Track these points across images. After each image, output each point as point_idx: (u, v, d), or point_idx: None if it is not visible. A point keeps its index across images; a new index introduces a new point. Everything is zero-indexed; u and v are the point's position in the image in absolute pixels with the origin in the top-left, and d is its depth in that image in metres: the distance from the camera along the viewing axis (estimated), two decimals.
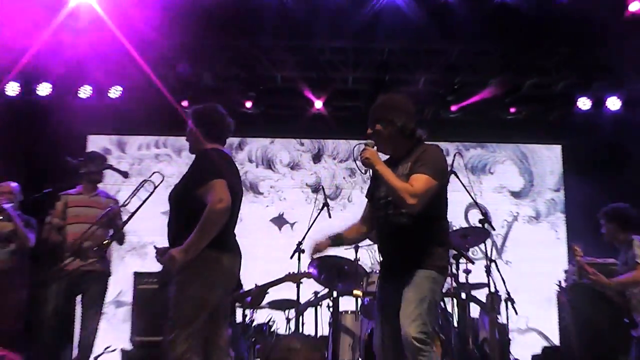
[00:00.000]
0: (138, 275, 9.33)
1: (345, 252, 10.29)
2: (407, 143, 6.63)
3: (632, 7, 11.40)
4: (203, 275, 6.40)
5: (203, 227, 6.35)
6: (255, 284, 8.00)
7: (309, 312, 10.59)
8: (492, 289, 9.42)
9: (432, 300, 6.23)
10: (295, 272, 8.94)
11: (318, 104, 14.62)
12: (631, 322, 8.28)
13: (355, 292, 9.85)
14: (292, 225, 15.09)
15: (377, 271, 10.09)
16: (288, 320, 11.20)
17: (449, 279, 10.19)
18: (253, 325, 10.73)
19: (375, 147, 6.53)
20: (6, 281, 9.59)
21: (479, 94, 14.40)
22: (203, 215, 6.36)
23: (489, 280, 9.55)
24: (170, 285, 6.46)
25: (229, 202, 6.41)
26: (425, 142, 6.64)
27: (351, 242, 7.36)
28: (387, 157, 6.80)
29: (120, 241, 9.43)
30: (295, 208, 15.24)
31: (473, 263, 9.86)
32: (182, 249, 6.33)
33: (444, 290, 10.37)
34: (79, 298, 9.44)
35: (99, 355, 9.39)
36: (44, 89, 14.47)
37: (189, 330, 6.30)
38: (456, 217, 14.64)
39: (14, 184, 9.77)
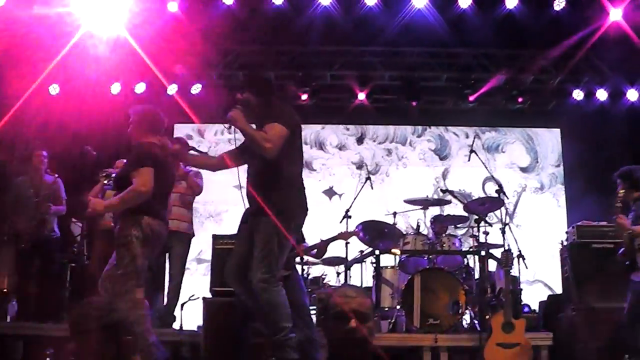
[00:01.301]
0: (216, 237, 9.26)
1: (385, 217, 10.30)
2: (266, 109, 6.53)
3: (612, 17, 11.42)
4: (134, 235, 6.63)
5: (123, 198, 6.64)
6: (320, 239, 7.90)
7: (355, 268, 10.56)
8: (506, 248, 9.20)
9: (273, 245, 6.20)
10: (346, 231, 8.84)
11: (361, 96, 14.52)
12: (632, 266, 8.00)
13: (394, 250, 9.86)
14: (340, 196, 14.91)
15: (412, 233, 10.03)
16: (338, 274, 11.30)
17: (470, 240, 10.08)
18: (309, 278, 10.70)
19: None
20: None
21: (488, 84, 14.26)
22: (128, 189, 6.61)
23: (503, 240, 9.45)
24: None
25: (150, 188, 6.56)
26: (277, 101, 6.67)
27: (208, 166, 7.36)
28: None
29: None
30: (342, 182, 15.10)
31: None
32: (104, 203, 6.93)
33: (466, 248, 10.37)
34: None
35: (184, 302, 9.36)
36: (140, 87, 14.55)
37: (132, 281, 6.56)
38: (475, 189, 14.64)
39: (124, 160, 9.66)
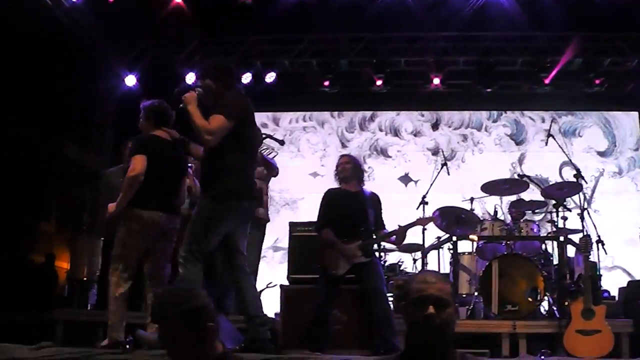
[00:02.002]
0: (293, 225, 9.28)
1: (462, 203, 10.28)
2: (219, 98, 6.61)
3: None
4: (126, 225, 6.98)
5: (123, 190, 6.93)
6: (398, 225, 7.86)
7: (432, 254, 10.43)
8: (585, 233, 9.05)
9: (200, 225, 6.43)
10: (423, 217, 8.77)
11: (436, 82, 14.45)
12: None
13: (471, 236, 9.73)
14: (415, 182, 14.83)
15: (490, 218, 9.93)
16: (414, 260, 11.21)
17: (548, 225, 9.96)
18: (385, 265, 10.67)
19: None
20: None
21: (560, 62, 14.10)
22: (125, 178, 6.97)
23: (582, 226, 9.27)
24: None
25: (139, 171, 6.83)
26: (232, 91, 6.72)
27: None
28: None
29: None
30: (418, 168, 14.97)
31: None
32: (116, 204, 7.01)
33: (544, 233, 10.23)
34: None
35: (262, 289, 9.39)
36: None
37: (117, 265, 6.96)
38: (552, 173, 14.43)
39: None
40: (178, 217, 7.33)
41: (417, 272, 10.50)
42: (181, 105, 6.61)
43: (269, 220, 9.82)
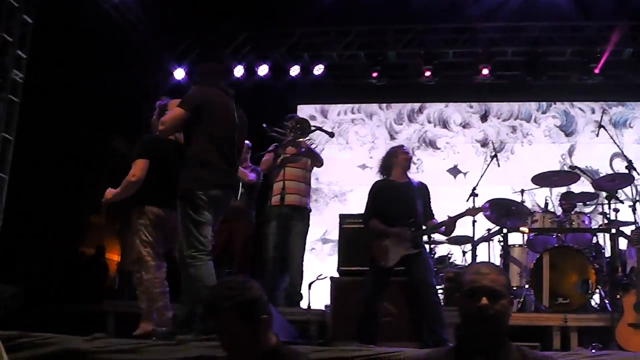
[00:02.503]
0: (343, 217, 9.30)
1: (512, 195, 10.19)
2: None
3: None
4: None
5: (121, 187, 7.28)
6: (448, 216, 7.81)
7: (482, 246, 10.32)
8: (637, 225, 8.99)
9: (188, 222, 6.54)
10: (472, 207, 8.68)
11: (484, 72, 14.26)
12: None
13: (522, 228, 9.62)
14: (464, 174, 14.73)
15: (540, 211, 9.83)
16: (464, 253, 11.16)
17: (599, 217, 9.85)
18: (435, 257, 10.62)
19: None
20: (241, 217, 9.57)
21: (607, 51, 13.91)
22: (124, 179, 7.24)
23: (634, 218, 9.20)
24: None
25: (139, 177, 7.12)
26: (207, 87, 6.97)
27: None
28: None
29: None
30: (466, 160, 14.89)
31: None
32: (113, 192, 7.36)
33: (595, 225, 10.10)
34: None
35: (312, 282, 9.34)
36: (262, 70, 14.82)
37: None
38: (602, 165, 14.27)
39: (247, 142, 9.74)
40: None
41: (466, 264, 10.46)
42: None
43: (311, 210, 9.79)
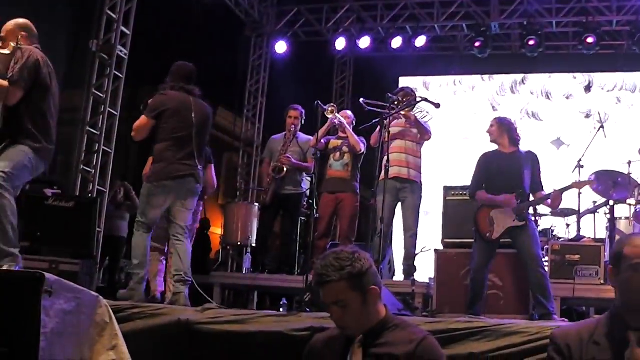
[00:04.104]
0: (447, 189, 9.24)
1: (620, 166, 9.89)
2: None
3: None
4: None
5: None
6: (554, 189, 7.66)
7: (586, 219, 10.14)
8: None
9: (142, 202, 7.74)
10: (579, 180, 8.49)
11: (590, 41, 13.84)
12: None
13: (629, 200, 9.39)
14: (568, 145, 14.50)
15: None
16: (567, 225, 10.91)
17: None
18: (539, 229, 10.46)
19: None
20: (347, 188, 9.65)
21: None
22: None
23: None
24: None
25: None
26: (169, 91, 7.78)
27: None
28: None
29: None
30: (570, 132, 14.67)
31: None
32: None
33: None
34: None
35: (416, 254, 9.31)
36: (364, 42, 14.83)
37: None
38: None
39: (350, 113, 9.95)
40: None
41: (570, 237, 10.29)
42: None
43: (421, 184, 9.68)
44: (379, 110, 8.97)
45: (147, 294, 7.92)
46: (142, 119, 7.66)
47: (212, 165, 9.49)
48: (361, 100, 9.35)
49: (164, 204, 7.57)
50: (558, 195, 7.71)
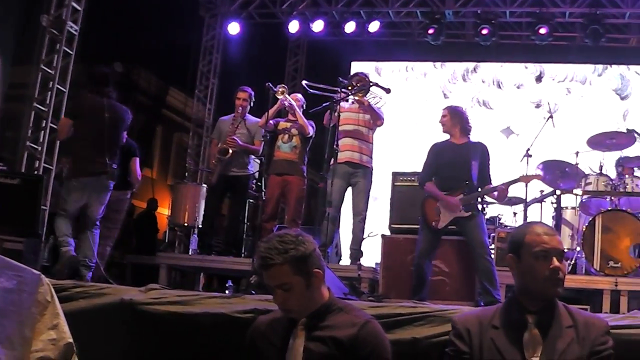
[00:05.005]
0: (395, 174, 9.24)
1: (567, 156, 10.00)
2: None
3: None
4: None
5: None
6: (503, 183, 7.71)
7: (533, 208, 10.22)
8: None
9: (63, 195, 8.53)
10: (527, 174, 8.51)
11: (542, 32, 13.97)
12: None
13: (575, 190, 9.48)
14: (517, 135, 14.69)
15: (595, 173, 9.67)
16: (514, 214, 11.08)
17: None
18: (486, 217, 10.52)
19: None
20: (294, 171, 9.59)
21: None
22: None
23: None
24: None
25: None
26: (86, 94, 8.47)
27: None
28: None
29: None
30: (520, 121, 14.78)
31: None
32: None
33: None
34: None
35: (363, 238, 9.33)
36: (318, 26, 14.84)
37: None
38: None
39: (300, 97, 9.86)
40: None
41: (518, 225, 10.37)
42: None
43: (372, 169, 9.68)
44: (324, 93, 8.99)
45: None
46: (62, 119, 8.88)
47: (137, 159, 9.67)
48: (304, 82, 9.43)
49: (81, 198, 8.20)
50: (504, 189, 7.77)
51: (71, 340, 3.86)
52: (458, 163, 7.84)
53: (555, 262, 3.66)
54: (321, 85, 9.14)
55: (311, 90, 9.27)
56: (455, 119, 8.04)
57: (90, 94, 8.36)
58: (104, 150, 8.22)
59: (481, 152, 7.97)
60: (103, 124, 8.20)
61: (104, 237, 9.13)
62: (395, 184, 9.19)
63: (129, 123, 8.72)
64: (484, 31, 14.08)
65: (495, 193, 7.88)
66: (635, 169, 9.93)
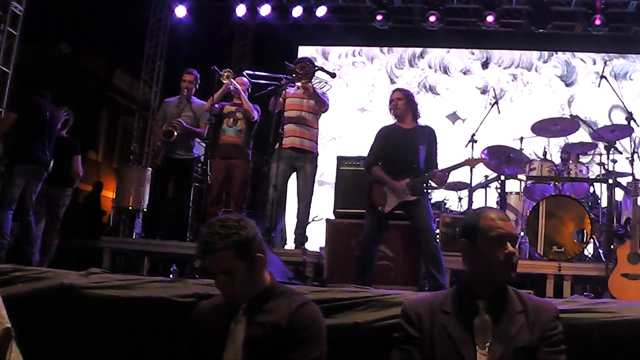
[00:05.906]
0: (340, 159, 9.19)
1: (512, 142, 10.07)
2: None
3: None
4: None
5: None
6: (441, 168, 7.71)
7: (478, 193, 10.32)
8: (634, 177, 8.84)
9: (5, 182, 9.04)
10: (471, 157, 8.53)
11: (489, 19, 14.08)
12: None
13: (519, 176, 9.53)
14: (463, 120, 14.71)
15: (539, 159, 9.76)
16: (460, 199, 11.18)
17: (597, 168, 9.81)
18: (430, 202, 10.56)
19: None
20: (239, 155, 9.48)
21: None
22: None
23: (632, 169, 8.94)
24: None
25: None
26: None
27: None
28: None
29: None
30: (466, 107, 14.86)
31: None
32: None
33: (593, 176, 10.04)
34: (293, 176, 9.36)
35: (308, 223, 9.31)
36: (265, 10, 14.78)
37: None
38: (601, 117, 14.33)
39: (246, 80, 9.61)
40: None
41: (463, 210, 10.45)
42: None
43: (317, 154, 9.65)
44: (267, 82, 8.94)
45: None
46: (8, 113, 9.49)
47: (79, 157, 10.29)
48: (245, 72, 9.42)
49: (21, 184, 8.79)
50: (447, 172, 7.78)
51: (9, 325, 3.76)
52: (406, 147, 7.81)
53: (510, 247, 3.69)
54: (263, 74, 9.07)
55: (252, 80, 9.27)
56: (410, 105, 8.02)
57: (35, 95, 9.27)
58: (44, 144, 9.11)
59: (429, 137, 7.95)
60: (44, 122, 9.14)
61: (49, 230, 9.68)
62: (340, 168, 9.13)
63: (63, 122, 9.95)
64: (432, 17, 14.15)
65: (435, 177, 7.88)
66: (580, 155, 10.07)
